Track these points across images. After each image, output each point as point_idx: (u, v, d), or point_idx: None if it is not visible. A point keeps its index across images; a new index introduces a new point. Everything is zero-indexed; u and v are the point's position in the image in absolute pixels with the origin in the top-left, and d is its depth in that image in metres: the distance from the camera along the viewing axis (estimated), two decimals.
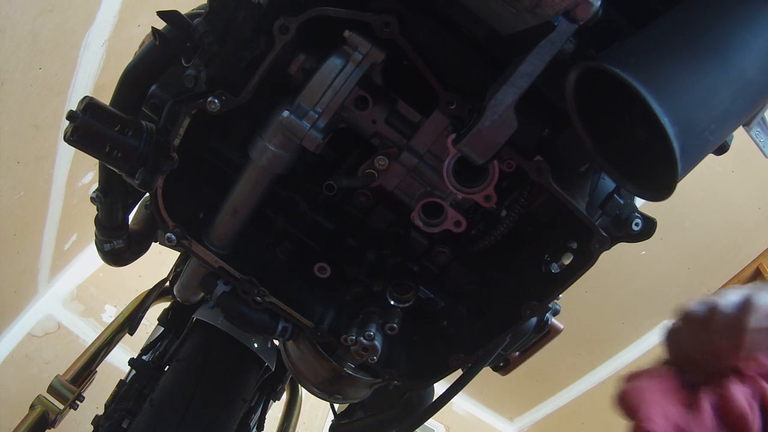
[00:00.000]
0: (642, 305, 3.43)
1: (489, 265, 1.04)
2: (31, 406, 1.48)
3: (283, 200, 1.01)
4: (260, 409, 1.58)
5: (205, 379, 1.25)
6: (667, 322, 0.74)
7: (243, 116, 0.90)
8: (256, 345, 1.37)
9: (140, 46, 0.97)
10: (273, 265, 1.00)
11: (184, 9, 0.90)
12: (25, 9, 1.51)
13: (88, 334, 2.86)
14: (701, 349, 0.66)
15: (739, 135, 0.77)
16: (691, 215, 3.24)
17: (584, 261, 0.83)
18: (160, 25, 0.86)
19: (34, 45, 1.62)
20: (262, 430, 1.60)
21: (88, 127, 0.83)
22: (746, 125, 0.81)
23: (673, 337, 0.71)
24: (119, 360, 2.37)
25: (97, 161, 0.91)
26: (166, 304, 1.72)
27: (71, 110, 0.82)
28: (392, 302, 1.01)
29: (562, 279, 0.86)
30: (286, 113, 0.79)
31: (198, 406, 1.20)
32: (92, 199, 1.03)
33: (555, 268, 0.91)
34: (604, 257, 0.83)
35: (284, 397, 1.81)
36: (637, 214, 0.85)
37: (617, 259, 2.40)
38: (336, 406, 1.52)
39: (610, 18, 0.73)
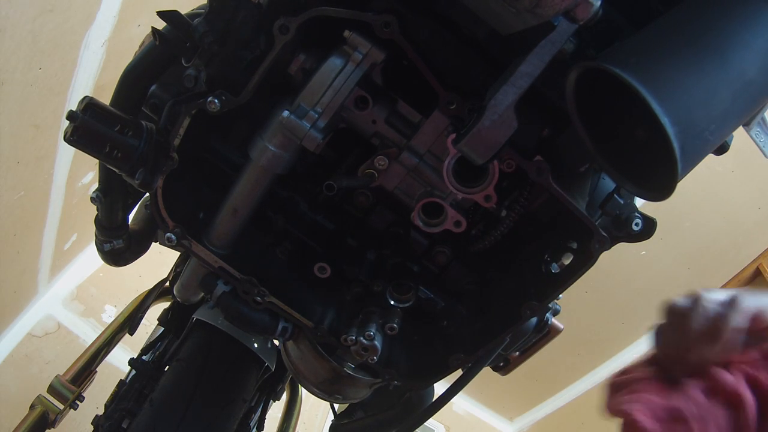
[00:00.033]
0: (642, 305, 3.42)
1: (489, 265, 1.04)
2: (31, 406, 1.48)
3: (283, 200, 1.01)
4: (260, 409, 1.58)
5: (205, 379, 1.25)
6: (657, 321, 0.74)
7: (243, 116, 0.90)
8: (256, 345, 1.36)
9: (140, 46, 0.97)
10: (273, 265, 1.00)
11: (184, 9, 0.90)
12: (25, 9, 1.51)
13: (88, 334, 2.86)
14: (681, 344, 0.66)
15: (739, 135, 0.77)
16: (691, 215, 3.24)
17: (584, 261, 0.83)
18: (160, 25, 0.86)
19: (34, 45, 1.62)
20: (262, 430, 1.60)
21: (88, 127, 0.83)
22: (746, 125, 0.81)
23: (658, 333, 0.71)
24: (119, 360, 2.36)
25: (97, 161, 0.91)
26: (166, 304, 1.72)
27: (71, 110, 0.82)
28: (392, 302, 1.01)
29: (562, 279, 0.86)
30: (286, 113, 0.79)
31: (198, 406, 1.20)
32: (92, 199, 1.03)
33: (555, 268, 0.91)
34: (604, 257, 0.83)
35: (284, 397, 1.81)
36: (637, 214, 0.85)
37: (617, 259, 2.40)
38: (336, 406, 1.52)
39: (610, 18, 0.73)
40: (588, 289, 3.26)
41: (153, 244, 1.24)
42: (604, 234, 0.80)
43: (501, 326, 0.91)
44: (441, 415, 3.65)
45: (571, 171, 0.85)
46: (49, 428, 1.48)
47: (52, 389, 1.50)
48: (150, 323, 1.90)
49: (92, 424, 1.48)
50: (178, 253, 1.45)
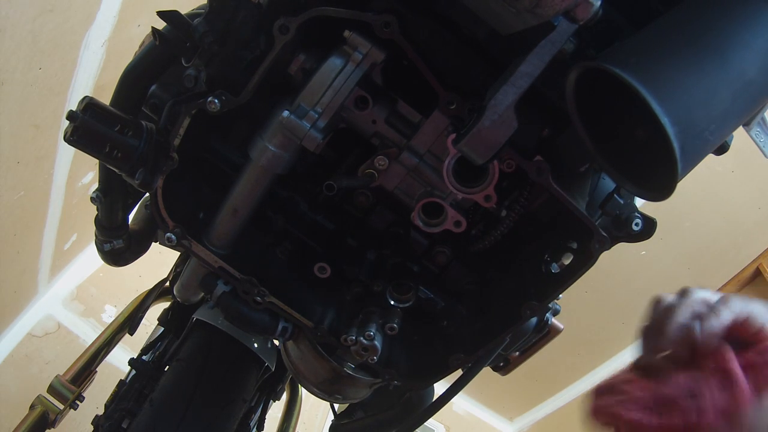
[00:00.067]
0: (642, 305, 3.41)
1: (489, 265, 1.04)
2: (31, 406, 1.48)
3: (283, 200, 1.01)
4: (260, 409, 1.58)
5: (205, 379, 1.25)
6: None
7: (243, 116, 0.90)
8: (256, 345, 1.37)
9: (140, 46, 0.97)
10: (273, 265, 1.00)
11: (184, 9, 0.90)
12: (25, 9, 1.51)
13: (88, 334, 2.86)
14: (658, 339, 0.66)
15: (739, 135, 0.77)
16: (691, 215, 3.24)
17: (584, 261, 0.83)
18: (160, 25, 0.86)
19: (34, 45, 1.62)
20: (262, 430, 1.60)
21: (88, 127, 0.83)
22: (746, 125, 0.81)
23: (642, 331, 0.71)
24: (119, 360, 2.36)
25: (97, 161, 0.91)
26: (166, 304, 1.72)
27: (71, 110, 0.82)
28: (392, 302, 1.01)
29: (562, 279, 0.86)
30: (286, 113, 0.79)
31: (198, 406, 1.20)
32: (92, 199, 1.03)
33: (555, 268, 0.91)
34: (604, 257, 0.83)
35: (284, 397, 1.81)
36: (637, 214, 0.85)
37: (617, 259, 2.40)
38: (336, 406, 1.52)
39: (610, 18, 0.73)
40: (588, 289, 3.26)
41: (153, 244, 1.24)
42: (604, 234, 0.80)
43: (501, 326, 0.91)
44: (441, 415, 3.65)
45: (571, 171, 0.85)
46: (49, 428, 1.48)
47: (52, 389, 1.50)
48: (150, 323, 1.90)
49: (92, 424, 1.48)
50: (178, 253, 1.45)
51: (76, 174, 2.36)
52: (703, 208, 3.21)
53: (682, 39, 0.62)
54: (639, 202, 0.87)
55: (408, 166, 0.88)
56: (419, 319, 1.05)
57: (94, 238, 1.14)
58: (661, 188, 0.64)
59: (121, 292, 2.97)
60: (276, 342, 1.43)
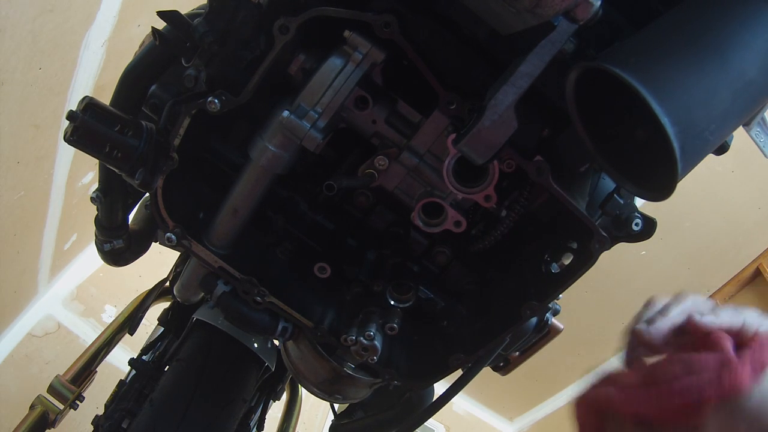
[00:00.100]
0: (642, 305, 3.42)
1: (489, 265, 1.04)
2: (31, 406, 1.48)
3: (283, 200, 1.01)
4: (260, 409, 1.58)
5: (205, 379, 1.25)
6: None
7: (243, 116, 0.90)
8: (256, 345, 1.37)
9: (140, 46, 0.97)
10: (273, 265, 1.00)
11: (184, 9, 0.90)
12: (25, 9, 1.51)
13: (88, 334, 2.86)
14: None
15: (739, 135, 0.77)
16: (691, 215, 3.24)
17: (584, 261, 0.83)
18: (160, 25, 0.86)
19: (34, 45, 1.62)
20: (262, 430, 1.60)
21: (88, 127, 0.83)
22: (746, 125, 0.81)
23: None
24: (119, 360, 2.37)
25: (97, 161, 0.91)
26: (166, 304, 1.72)
27: (71, 110, 0.82)
28: (392, 302, 1.01)
29: (562, 279, 0.86)
30: (286, 113, 0.79)
31: (198, 406, 1.20)
32: (92, 199, 1.03)
33: (555, 268, 0.91)
34: (604, 257, 0.83)
35: (284, 397, 1.81)
36: (637, 214, 0.85)
37: (617, 259, 2.40)
38: (336, 406, 1.52)
39: (610, 18, 0.73)
40: (588, 289, 3.26)
41: (153, 244, 1.24)
42: (604, 234, 0.80)
43: (501, 326, 0.91)
44: (441, 415, 3.65)
45: (571, 171, 0.85)
46: (49, 428, 1.48)
47: (52, 389, 1.50)
48: (150, 323, 1.90)
49: (92, 424, 1.48)
50: (178, 253, 1.45)
51: (76, 174, 2.36)
52: (703, 208, 3.21)
53: (682, 39, 0.62)
54: (639, 202, 0.87)
55: (408, 166, 0.88)
56: (419, 319, 1.05)
57: (94, 238, 1.14)
58: (661, 188, 0.64)
59: (121, 292, 2.97)
60: (276, 342, 1.43)
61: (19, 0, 1.47)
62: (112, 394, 1.59)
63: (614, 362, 0.68)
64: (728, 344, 0.55)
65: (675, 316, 0.59)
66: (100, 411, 1.55)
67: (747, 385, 0.51)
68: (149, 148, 0.85)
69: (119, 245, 1.12)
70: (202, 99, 0.81)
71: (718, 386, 0.51)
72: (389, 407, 1.22)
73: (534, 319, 0.99)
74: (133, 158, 0.84)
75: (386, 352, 0.98)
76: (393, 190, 0.92)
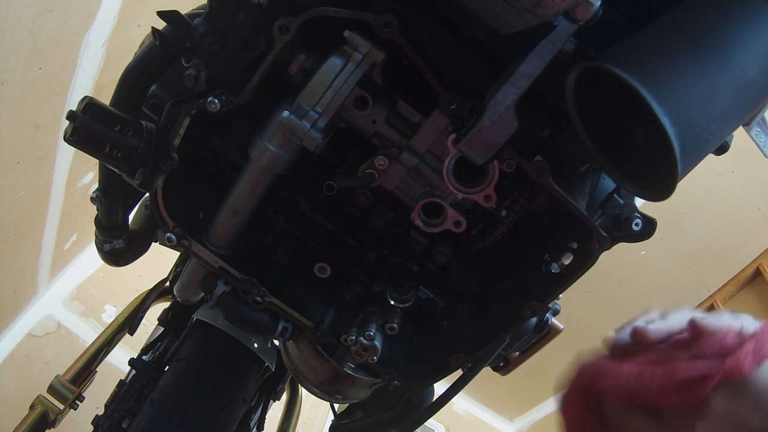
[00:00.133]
0: (642, 305, 3.41)
1: (489, 265, 1.04)
2: (31, 406, 1.48)
3: (283, 200, 1.01)
4: (260, 409, 1.58)
5: (205, 379, 1.25)
6: None
7: (243, 116, 0.90)
8: (256, 345, 1.36)
9: (140, 46, 0.97)
10: (273, 265, 1.00)
11: (184, 9, 0.90)
12: (25, 9, 1.51)
13: (88, 334, 2.86)
14: None
15: (739, 135, 0.77)
16: (691, 215, 3.24)
17: (584, 261, 0.83)
18: (160, 25, 0.86)
19: (34, 45, 1.62)
20: (262, 430, 1.60)
21: (88, 127, 0.83)
22: (746, 125, 0.81)
23: None
24: (119, 360, 2.36)
25: (97, 161, 0.91)
26: (166, 304, 1.72)
27: (71, 110, 0.82)
28: (392, 302, 1.01)
29: (562, 279, 0.86)
30: (286, 113, 0.79)
31: (198, 406, 1.20)
32: (92, 199, 1.03)
33: (555, 268, 0.91)
34: (604, 257, 0.83)
35: (284, 397, 1.81)
36: (637, 214, 0.85)
37: (617, 259, 2.40)
38: (336, 406, 1.52)
39: (610, 18, 0.73)
40: (588, 289, 3.26)
41: (153, 244, 1.24)
42: (604, 234, 0.80)
43: (501, 326, 0.91)
44: (441, 415, 3.65)
45: (571, 171, 0.85)
46: (49, 428, 1.48)
47: (52, 389, 1.50)
48: (150, 323, 1.90)
49: (92, 424, 1.48)
50: (178, 253, 1.45)
51: (76, 174, 2.36)
52: (703, 208, 3.21)
53: (682, 39, 0.62)
54: (639, 202, 0.87)
55: (408, 166, 0.88)
56: (419, 319, 1.05)
57: (94, 238, 1.14)
58: (661, 188, 0.64)
59: (121, 292, 2.97)
60: (276, 342, 1.43)
61: (19, 0, 1.47)
62: (112, 394, 1.59)
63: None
64: (731, 335, 0.55)
65: (674, 322, 0.59)
66: (100, 411, 1.55)
67: (751, 368, 0.51)
68: (149, 148, 0.85)
69: (119, 245, 1.12)
70: (202, 99, 0.81)
71: (722, 368, 0.51)
72: (389, 407, 1.22)
73: (534, 319, 0.99)
74: (133, 158, 0.84)
75: (386, 352, 0.98)
76: (393, 190, 0.92)
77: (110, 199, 1.04)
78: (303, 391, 1.84)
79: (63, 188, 2.31)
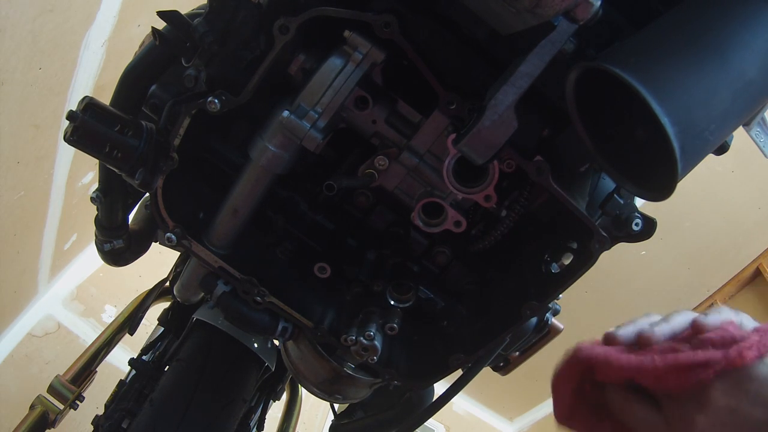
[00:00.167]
0: (642, 305, 3.42)
1: (489, 265, 1.04)
2: (31, 406, 1.48)
3: (283, 200, 1.01)
4: (260, 409, 1.58)
5: (205, 379, 1.25)
6: None
7: (243, 116, 0.90)
8: (256, 345, 1.36)
9: (140, 46, 0.97)
10: (273, 265, 1.00)
11: (184, 9, 0.90)
12: (25, 9, 1.51)
13: (88, 334, 2.86)
14: None
15: (739, 135, 0.77)
16: (691, 215, 3.24)
17: (584, 261, 0.83)
18: (160, 25, 0.86)
19: (34, 45, 1.62)
20: (262, 430, 1.60)
21: (88, 127, 0.83)
22: (746, 125, 0.81)
23: None
24: (119, 360, 2.37)
25: (97, 161, 0.91)
26: (166, 304, 1.72)
27: (71, 110, 0.82)
28: (392, 302, 1.01)
29: (562, 279, 0.86)
30: (286, 113, 0.79)
31: (198, 406, 1.20)
32: (92, 199, 1.03)
33: (555, 268, 0.91)
34: (604, 257, 0.83)
35: (284, 397, 1.81)
36: (637, 214, 0.85)
37: (617, 259, 2.40)
38: (336, 406, 1.52)
39: (610, 18, 0.73)
40: (588, 289, 3.26)
41: (153, 244, 1.24)
42: (604, 234, 0.80)
43: (501, 326, 0.91)
44: (441, 415, 3.65)
45: (571, 171, 0.85)
46: (49, 428, 1.48)
47: (52, 389, 1.50)
48: (150, 323, 1.90)
49: (92, 424, 1.48)
50: (178, 253, 1.45)
51: (76, 174, 2.36)
52: (703, 208, 3.21)
53: (682, 39, 0.62)
54: (639, 202, 0.87)
55: (408, 166, 0.88)
56: (419, 319, 1.05)
57: (94, 238, 1.14)
58: (661, 188, 0.64)
59: (121, 292, 2.97)
60: (276, 342, 1.43)
61: (19, 0, 1.47)
62: (112, 394, 1.59)
63: None
64: (733, 327, 0.55)
65: (677, 323, 0.59)
66: (100, 411, 1.55)
67: (753, 360, 0.50)
68: (149, 148, 0.85)
69: (119, 245, 1.12)
70: (202, 99, 0.81)
71: (725, 356, 0.51)
72: (389, 407, 1.22)
73: (534, 319, 1.00)
74: (133, 158, 0.84)
75: (386, 352, 0.98)
76: (393, 190, 0.92)
77: (110, 199, 1.04)
78: (303, 391, 1.84)
79: (63, 188, 2.31)
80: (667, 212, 2.62)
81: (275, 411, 1.79)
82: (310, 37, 0.80)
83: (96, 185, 1.04)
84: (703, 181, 3.08)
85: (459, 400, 4.17)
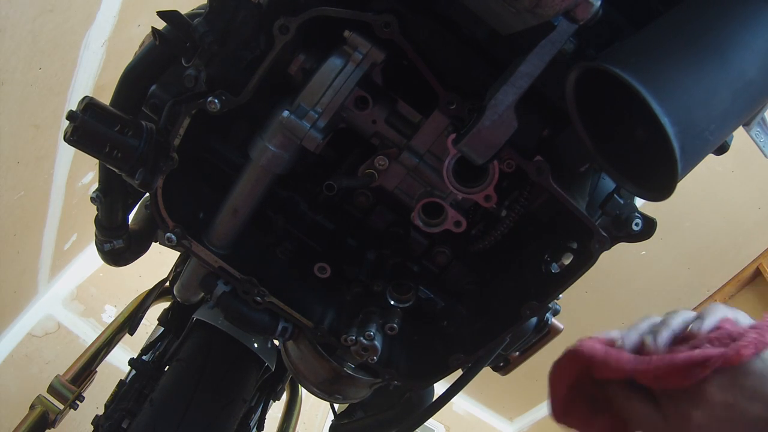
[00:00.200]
0: (642, 305, 3.42)
1: (489, 265, 1.04)
2: (31, 406, 1.48)
3: (283, 200, 1.01)
4: (260, 409, 1.58)
5: (205, 379, 1.25)
6: None
7: (243, 116, 0.90)
8: (256, 345, 1.37)
9: (140, 46, 0.97)
10: (273, 265, 1.00)
11: (184, 9, 0.90)
12: (25, 9, 1.51)
13: (88, 334, 2.86)
14: None
15: (739, 135, 0.77)
16: (691, 215, 3.24)
17: (584, 261, 0.83)
18: (160, 25, 0.86)
19: (34, 45, 1.62)
20: (262, 430, 1.60)
21: (88, 127, 0.83)
22: (746, 125, 0.81)
23: None
24: (119, 360, 2.37)
25: (97, 161, 0.91)
26: (166, 304, 1.72)
27: (71, 110, 0.82)
28: (392, 302, 1.01)
29: (562, 279, 0.86)
30: (286, 113, 0.79)
31: (198, 406, 1.20)
32: (92, 199, 1.03)
33: (555, 268, 0.91)
34: (604, 257, 0.83)
35: (284, 397, 1.81)
36: (637, 214, 0.85)
37: (617, 259, 2.40)
38: (336, 406, 1.52)
39: (610, 18, 0.73)
40: (588, 289, 3.26)
41: (153, 244, 1.24)
42: (604, 234, 0.80)
43: (501, 326, 0.91)
44: (441, 415, 3.65)
45: (571, 171, 0.85)
46: (49, 428, 1.48)
47: (52, 389, 1.50)
48: (150, 323, 1.90)
49: (92, 424, 1.48)
50: (178, 253, 1.45)
51: (76, 174, 2.36)
52: (703, 208, 3.21)
53: (682, 39, 0.62)
54: (639, 202, 0.87)
55: (408, 166, 0.88)
56: (419, 319, 1.05)
57: (94, 238, 1.14)
58: (661, 188, 0.64)
59: (121, 292, 2.97)
60: (276, 342, 1.43)
61: (19, 0, 1.47)
62: (112, 394, 1.59)
63: None
64: (730, 324, 0.55)
65: (676, 325, 0.59)
66: (100, 411, 1.55)
67: (750, 355, 0.51)
68: (149, 148, 0.85)
69: (119, 245, 1.12)
70: (202, 99, 0.81)
71: (723, 353, 0.51)
72: (389, 407, 1.22)
73: (534, 319, 1.00)
74: (133, 158, 0.84)
75: (386, 352, 0.98)
76: (393, 190, 0.92)
77: (110, 199, 1.04)
78: (303, 391, 1.84)
79: (63, 188, 2.31)
80: (667, 212, 2.62)
81: (275, 411, 1.79)
82: (310, 37, 0.80)
83: (96, 185, 1.04)
84: (703, 181, 3.08)
85: (459, 400, 4.17)
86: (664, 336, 0.58)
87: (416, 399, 1.19)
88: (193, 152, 0.89)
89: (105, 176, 1.01)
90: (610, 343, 0.60)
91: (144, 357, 1.66)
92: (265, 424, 1.61)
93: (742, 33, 0.61)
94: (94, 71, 2.01)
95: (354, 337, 0.92)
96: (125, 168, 0.86)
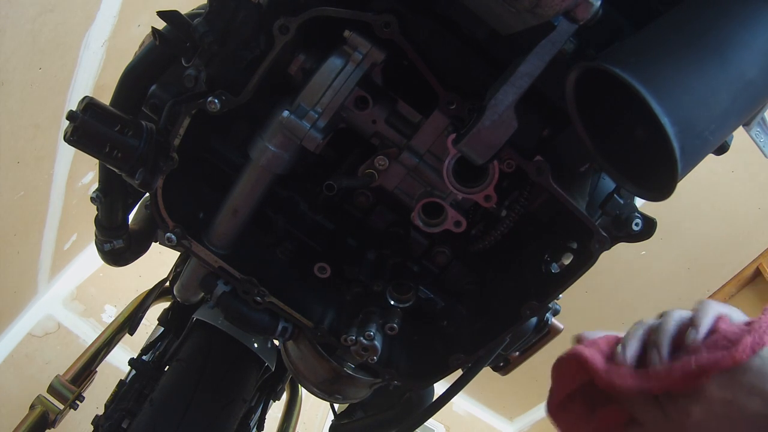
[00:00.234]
0: (642, 305, 3.42)
1: (489, 265, 1.04)
2: (31, 406, 1.48)
3: (283, 200, 1.01)
4: (260, 409, 1.58)
5: (205, 379, 1.25)
6: None
7: (243, 116, 0.90)
8: (256, 345, 1.37)
9: (140, 46, 0.97)
10: (273, 265, 1.00)
11: (184, 9, 0.90)
12: (25, 9, 1.51)
13: (88, 334, 2.86)
14: None
15: (739, 135, 0.77)
16: (691, 215, 3.24)
17: (584, 261, 0.83)
18: (160, 25, 0.86)
19: (34, 45, 1.62)
20: (262, 430, 1.60)
21: (88, 127, 0.83)
22: (746, 125, 0.81)
23: None
24: (119, 360, 2.37)
25: (97, 161, 0.91)
26: (166, 304, 1.72)
27: (71, 110, 0.82)
28: (392, 302, 1.01)
29: (562, 279, 0.86)
30: (286, 113, 0.79)
31: (198, 406, 1.20)
32: (92, 199, 1.03)
33: (555, 268, 0.91)
34: (604, 257, 0.83)
35: (284, 397, 1.81)
36: (637, 214, 0.85)
37: (617, 259, 2.40)
38: (336, 406, 1.52)
39: (610, 18, 0.73)
40: (588, 289, 3.26)
41: (153, 244, 1.24)
42: (604, 234, 0.80)
43: (501, 326, 0.91)
44: (441, 415, 3.65)
45: (571, 171, 0.85)
46: (49, 428, 1.48)
47: (52, 389, 1.50)
48: (150, 323, 1.90)
49: (92, 424, 1.48)
50: (178, 253, 1.45)
51: (76, 174, 2.36)
52: (703, 208, 3.21)
53: (682, 39, 0.62)
54: (639, 202, 0.87)
55: (408, 166, 0.88)
56: (419, 319, 1.05)
57: (94, 238, 1.14)
58: (661, 188, 0.64)
59: (121, 292, 2.97)
60: (276, 342, 1.43)
61: (19, 0, 1.47)
62: (112, 394, 1.59)
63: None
64: (725, 324, 0.56)
65: (673, 327, 0.60)
66: (100, 411, 1.55)
67: (748, 356, 0.51)
68: (149, 148, 0.85)
69: (119, 245, 1.12)
70: (202, 99, 0.81)
71: (722, 360, 0.52)
72: (389, 407, 1.22)
73: (534, 319, 0.99)
74: (133, 158, 0.84)
75: (386, 352, 0.98)
76: (393, 190, 0.92)
77: (110, 199, 1.04)
78: (303, 391, 1.84)
79: (63, 188, 2.31)
80: (667, 212, 2.62)
81: (275, 411, 1.79)
82: (310, 37, 0.80)
83: (96, 185, 1.04)
84: (703, 181, 3.08)
85: (459, 400, 4.17)
86: (665, 348, 0.58)
87: (416, 399, 1.19)
88: (193, 152, 0.89)
89: (105, 176, 1.01)
90: (611, 352, 0.61)
91: (144, 357, 1.66)
92: (265, 424, 1.61)
93: (742, 33, 0.61)
94: (94, 71, 2.01)
95: (354, 337, 0.92)
96: (125, 168, 0.86)
